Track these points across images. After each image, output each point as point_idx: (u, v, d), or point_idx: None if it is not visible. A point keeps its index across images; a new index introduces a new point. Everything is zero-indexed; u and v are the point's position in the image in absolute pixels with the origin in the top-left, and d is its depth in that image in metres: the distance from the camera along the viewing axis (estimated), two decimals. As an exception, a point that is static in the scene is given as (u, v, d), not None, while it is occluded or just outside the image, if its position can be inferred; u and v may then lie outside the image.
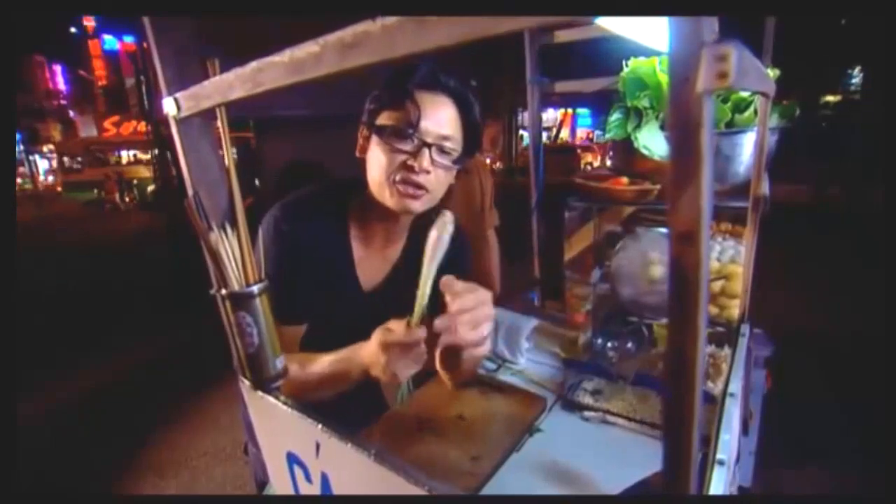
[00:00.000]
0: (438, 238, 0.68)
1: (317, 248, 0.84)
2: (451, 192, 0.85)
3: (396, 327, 0.69)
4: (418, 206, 0.80)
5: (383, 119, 0.78)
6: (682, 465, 0.31)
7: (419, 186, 0.78)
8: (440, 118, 0.77)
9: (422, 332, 0.68)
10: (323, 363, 0.79)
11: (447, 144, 0.78)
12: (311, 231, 0.83)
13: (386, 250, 0.92)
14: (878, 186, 6.74)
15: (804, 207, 6.95)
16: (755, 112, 0.93)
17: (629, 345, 1.03)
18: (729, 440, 0.55)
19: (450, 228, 0.68)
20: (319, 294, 0.85)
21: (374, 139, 0.79)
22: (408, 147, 0.76)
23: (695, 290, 0.25)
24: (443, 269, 0.91)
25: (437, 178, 0.79)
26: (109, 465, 2.26)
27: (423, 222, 0.88)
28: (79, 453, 2.38)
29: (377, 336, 0.71)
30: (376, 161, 0.78)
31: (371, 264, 0.91)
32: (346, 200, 0.88)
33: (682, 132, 0.23)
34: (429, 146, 0.76)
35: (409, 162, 0.76)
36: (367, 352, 0.73)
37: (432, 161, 0.77)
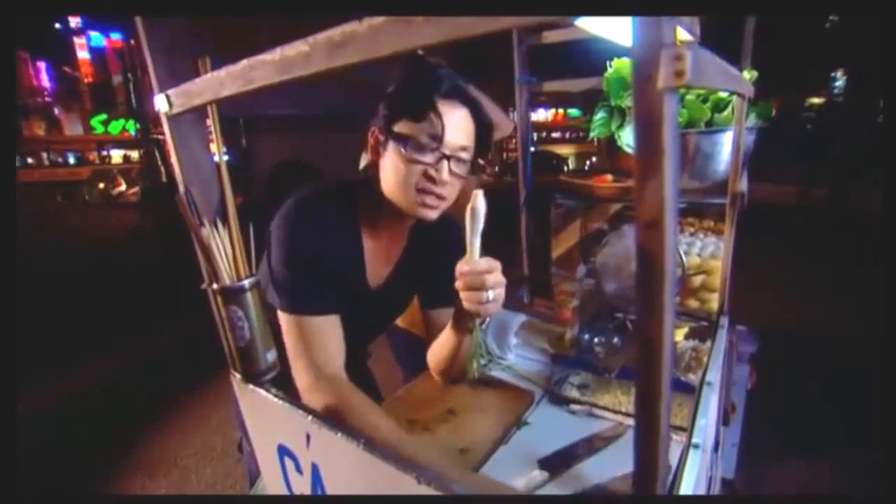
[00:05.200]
0: (473, 211, 0.72)
1: (330, 244, 0.84)
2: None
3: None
4: (435, 215, 0.82)
5: (403, 128, 0.77)
6: (652, 444, 0.33)
7: (438, 196, 0.79)
8: (459, 129, 0.78)
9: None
10: (388, 429, 0.74)
11: (463, 155, 0.79)
12: (324, 227, 0.83)
13: (390, 249, 0.94)
14: (860, 187, 6.87)
15: (791, 208, 7.07)
16: (733, 112, 0.96)
17: (615, 340, 1.05)
18: (705, 426, 0.57)
19: (481, 202, 0.73)
20: (331, 290, 0.84)
21: (392, 146, 0.78)
22: (428, 159, 0.77)
23: (660, 274, 0.27)
24: (435, 260, 0.93)
25: (453, 186, 0.81)
26: (99, 465, 2.24)
27: (422, 223, 0.90)
28: (68, 454, 2.35)
29: None
30: (395, 170, 0.79)
31: (378, 262, 0.92)
32: (358, 199, 0.88)
33: (646, 127, 0.25)
34: (448, 158, 0.77)
35: (430, 173, 0.77)
36: None
37: (450, 171, 0.78)
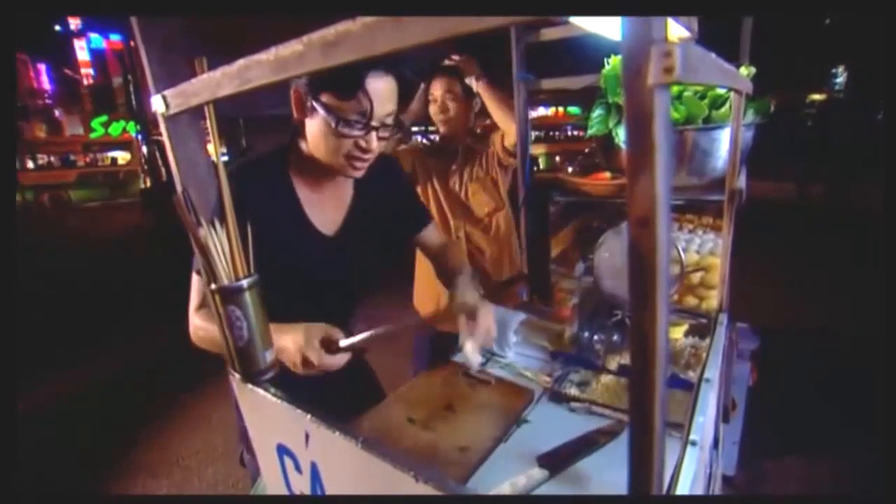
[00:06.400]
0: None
1: (263, 202, 0.87)
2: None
3: (321, 349, 0.77)
4: (361, 173, 0.87)
5: (330, 101, 0.79)
6: (647, 442, 0.32)
7: (366, 160, 0.85)
8: (388, 98, 0.80)
9: (340, 360, 0.79)
10: None
11: (389, 120, 0.83)
12: (255, 187, 0.87)
13: (337, 193, 0.97)
14: (858, 184, 6.84)
15: (790, 205, 7.05)
16: (731, 108, 0.95)
17: (615, 337, 1.05)
18: (703, 423, 0.57)
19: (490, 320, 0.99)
20: (276, 242, 0.88)
21: (320, 116, 0.80)
22: (357, 133, 0.80)
23: (652, 271, 0.27)
24: (387, 196, 1.01)
25: (378, 147, 0.85)
26: (101, 465, 2.25)
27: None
28: (68, 454, 2.36)
29: (304, 337, 0.77)
30: (323, 138, 0.82)
31: (324, 209, 0.95)
32: (286, 157, 0.92)
33: (637, 123, 0.25)
34: (375, 129, 0.81)
35: (360, 143, 0.81)
36: (286, 340, 0.78)
37: (379, 138, 0.83)
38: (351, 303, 1.08)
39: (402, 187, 1.08)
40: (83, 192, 14.17)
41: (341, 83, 0.77)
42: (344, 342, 0.80)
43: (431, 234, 1.11)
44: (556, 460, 0.74)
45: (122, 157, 15.46)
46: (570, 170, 1.39)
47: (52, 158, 14.95)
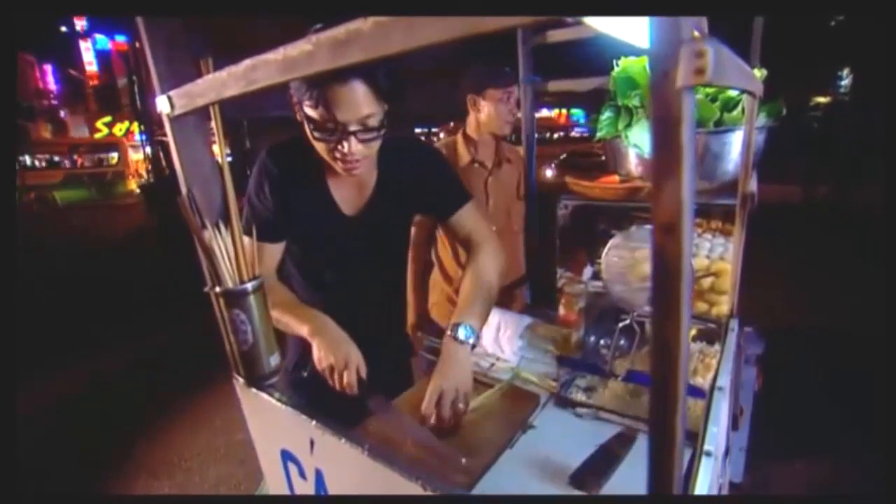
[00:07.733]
0: None
1: (295, 180, 0.96)
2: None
3: (351, 374, 0.83)
4: (359, 171, 0.89)
5: (308, 109, 0.82)
6: (667, 451, 0.32)
7: (353, 161, 0.86)
8: (354, 104, 0.80)
9: (355, 390, 0.83)
10: (288, 310, 0.92)
11: (370, 122, 0.83)
12: (288, 166, 0.96)
13: (362, 179, 0.99)
14: (861, 185, 6.81)
15: (795, 207, 7.02)
16: (743, 111, 0.94)
17: (622, 342, 1.04)
18: (717, 433, 0.56)
19: None
20: (303, 218, 0.98)
21: (304, 123, 0.85)
22: (333, 138, 0.82)
23: (677, 278, 0.26)
24: (415, 178, 1.01)
25: (368, 148, 0.86)
26: (101, 465, 2.25)
27: (390, 152, 0.95)
28: (71, 454, 2.36)
29: (351, 356, 0.84)
30: (312, 141, 0.86)
31: (349, 192, 1.00)
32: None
33: (664, 127, 0.24)
34: (352, 133, 0.82)
35: (339, 148, 0.83)
36: (324, 341, 0.85)
37: (359, 141, 0.83)
38: (380, 284, 1.10)
39: (433, 169, 1.04)
40: (69, 192, 13.89)
41: (305, 90, 0.80)
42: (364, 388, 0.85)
43: (464, 218, 1.04)
44: (590, 478, 0.73)
45: (111, 157, 15.28)
46: (548, 173, 1.39)
47: (38, 159, 14.63)
